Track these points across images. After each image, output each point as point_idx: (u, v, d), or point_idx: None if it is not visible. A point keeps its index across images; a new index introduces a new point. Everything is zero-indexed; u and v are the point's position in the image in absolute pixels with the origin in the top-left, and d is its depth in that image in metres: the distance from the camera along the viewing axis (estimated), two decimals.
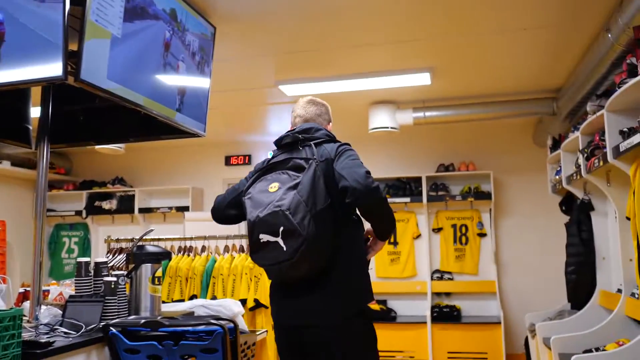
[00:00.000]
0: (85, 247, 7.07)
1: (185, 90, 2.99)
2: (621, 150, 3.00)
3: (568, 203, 5.12)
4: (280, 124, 6.17)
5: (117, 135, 3.37)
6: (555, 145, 5.04)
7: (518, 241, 6.07)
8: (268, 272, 2.16)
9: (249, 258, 4.06)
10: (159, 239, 4.18)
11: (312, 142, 2.19)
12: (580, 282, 4.47)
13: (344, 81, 4.41)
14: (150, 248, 2.81)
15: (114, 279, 2.56)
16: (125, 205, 6.83)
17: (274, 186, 2.08)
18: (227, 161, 6.94)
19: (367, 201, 1.97)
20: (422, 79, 4.38)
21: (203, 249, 4.23)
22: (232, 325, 2.23)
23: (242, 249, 4.17)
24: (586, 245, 4.46)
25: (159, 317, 2.35)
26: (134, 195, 6.83)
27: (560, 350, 3.78)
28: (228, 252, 4.18)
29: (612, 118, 3.29)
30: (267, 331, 3.64)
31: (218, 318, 2.29)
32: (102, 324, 2.26)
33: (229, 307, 3.08)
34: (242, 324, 3.19)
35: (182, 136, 3.24)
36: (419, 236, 6.24)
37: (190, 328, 2.19)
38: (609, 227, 4.37)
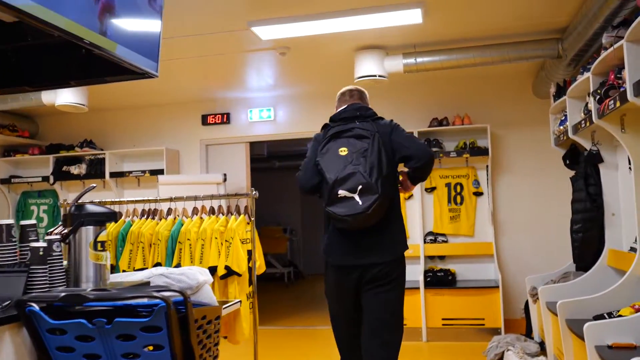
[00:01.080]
0: (55, 215, 6.61)
1: (114, 9, 2.47)
2: None
3: (573, 156, 4.70)
4: (259, 78, 5.66)
5: (55, 77, 2.87)
6: (560, 92, 4.58)
7: (517, 200, 5.67)
8: (340, 221, 2.49)
9: (220, 220, 3.62)
10: (119, 202, 3.73)
11: (368, 118, 2.65)
12: (588, 241, 4.09)
13: (325, 21, 3.90)
14: (91, 207, 2.35)
15: (43, 244, 2.11)
16: (96, 170, 6.35)
17: (343, 150, 2.50)
18: (204, 120, 6.44)
19: (430, 165, 2.63)
20: (413, 17, 3.88)
21: (169, 211, 3.79)
22: (180, 297, 1.80)
23: (212, 211, 3.73)
24: (594, 200, 4.06)
25: (88, 290, 1.91)
26: (104, 159, 6.34)
27: (567, 316, 3.40)
28: (197, 215, 3.74)
29: (633, 49, 2.83)
30: (240, 301, 3.21)
31: (165, 289, 1.86)
32: (17, 299, 1.82)
33: (193, 275, 2.69)
34: (208, 295, 2.79)
35: (130, 77, 2.74)
36: (410, 196, 5.83)
37: (123, 302, 1.75)
38: (620, 180, 3.96)
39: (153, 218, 3.75)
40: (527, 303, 4.90)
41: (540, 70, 5.14)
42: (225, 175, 5.94)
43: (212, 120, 6.42)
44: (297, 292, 9.42)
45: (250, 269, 3.56)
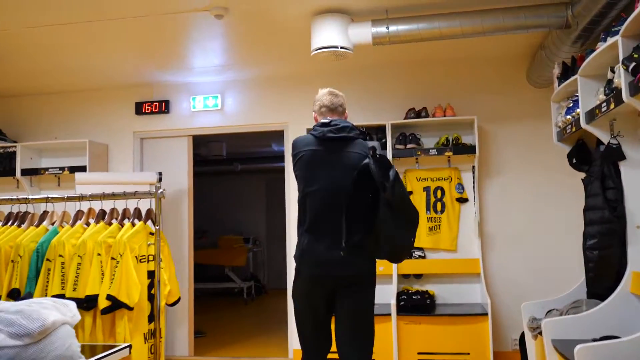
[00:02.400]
0: None
1: None
2: None
3: (580, 153, 3.78)
4: (203, 56, 4.66)
5: None
6: (567, 73, 3.66)
7: (509, 208, 4.74)
8: None
9: (110, 229, 2.59)
10: None
11: (356, 139, 2.68)
12: (606, 260, 3.16)
13: None
14: None
15: None
16: (4, 166, 5.25)
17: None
18: (139, 109, 5.40)
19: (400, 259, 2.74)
20: None
21: (44, 215, 2.74)
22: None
23: (102, 215, 2.70)
24: (614, 208, 3.14)
25: None
26: (15, 153, 5.25)
27: None
28: (81, 220, 2.70)
29: None
30: (130, 346, 2.19)
31: None
32: None
33: (37, 314, 1.86)
34: (64, 344, 1.84)
35: None
36: None
37: None
38: None
39: (20, 225, 2.70)
40: (522, 335, 3.96)
41: (539, 50, 4.22)
42: (160, 174, 4.92)
43: (148, 109, 5.38)
44: (257, 309, 8.37)
45: (152, 298, 2.53)
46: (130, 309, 2.40)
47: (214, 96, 5.26)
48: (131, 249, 2.44)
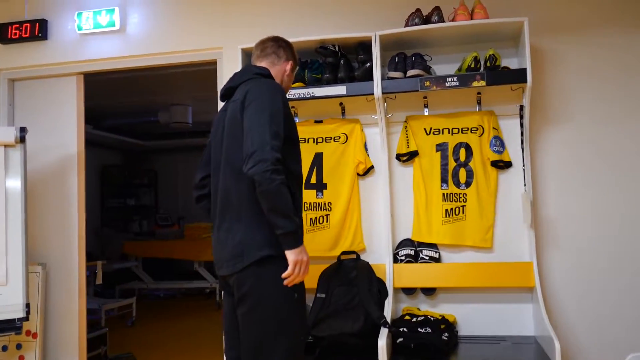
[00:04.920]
0: None
1: None
2: None
3: None
4: None
5: None
6: None
7: (583, 180, 2.82)
8: None
9: None
10: None
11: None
12: None
13: None
14: None
15: None
16: None
17: None
18: (3, 34, 3.56)
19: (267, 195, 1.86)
20: None
21: None
22: None
23: None
24: None
25: None
26: None
27: None
28: None
29: None
30: None
31: None
32: None
33: None
34: None
35: None
36: (368, 170, 2.99)
37: None
38: None
39: None
40: None
41: None
42: (23, 130, 3.15)
43: (16, 34, 3.54)
44: None
45: None
46: None
47: (108, 10, 3.39)
48: None
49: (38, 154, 3.48)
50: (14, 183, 3.12)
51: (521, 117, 2.76)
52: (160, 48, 3.38)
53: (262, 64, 2.20)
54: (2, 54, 3.59)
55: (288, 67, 2.23)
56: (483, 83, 2.64)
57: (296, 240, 1.89)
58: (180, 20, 3.35)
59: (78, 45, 3.49)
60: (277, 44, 2.23)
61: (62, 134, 3.52)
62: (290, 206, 1.86)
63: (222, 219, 2.03)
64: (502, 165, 2.84)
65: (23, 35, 3.51)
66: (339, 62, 2.82)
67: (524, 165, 2.76)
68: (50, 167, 3.51)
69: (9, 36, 3.54)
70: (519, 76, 2.63)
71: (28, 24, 3.51)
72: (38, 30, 3.49)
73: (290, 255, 1.88)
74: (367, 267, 2.83)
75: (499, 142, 2.84)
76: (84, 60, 3.49)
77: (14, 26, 3.53)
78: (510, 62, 2.81)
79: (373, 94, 2.73)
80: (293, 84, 2.81)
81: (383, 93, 2.73)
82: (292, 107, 3.06)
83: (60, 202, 3.50)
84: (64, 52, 3.51)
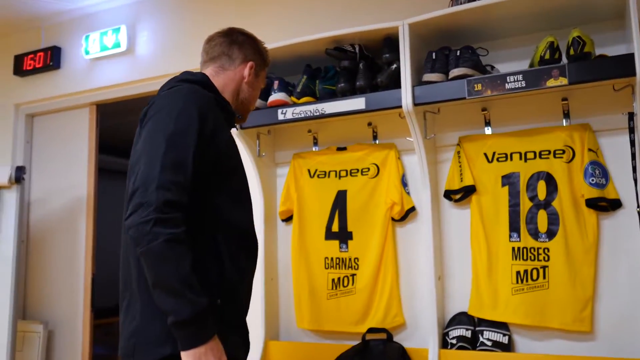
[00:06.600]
0: None
1: None
2: None
3: None
4: None
5: None
6: None
7: None
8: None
9: None
10: None
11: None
12: None
13: None
14: None
15: None
16: None
17: None
18: (18, 66, 3.28)
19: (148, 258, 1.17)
20: None
21: None
22: None
23: None
24: None
25: None
26: None
27: None
28: None
29: None
30: None
31: None
32: None
33: None
34: None
35: None
36: (407, 214, 2.15)
37: None
38: None
39: None
40: None
41: None
42: (20, 170, 2.79)
43: (31, 65, 3.24)
44: None
45: None
46: None
47: (114, 29, 2.95)
48: None
49: (49, 196, 3.11)
50: (6, 229, 2.74)
51: (631, 131, 1.80)
52: (169, 69, 2.85)
53: (208, 70, 1.54)
54: (18, 87, 3.30)
55: (247, 70, 1.55)
56: (564, 81, 1.73)
57: (196, 334, 1.15)
58: (188, 38, 2.81)
59: (89, 72, 3.09)
60: (228, 40, 1.56)
61: (71, 172, 3.12)
62: (186, 277, 1.13)
63: (123, 294, 1.35)
64: (606, 205, 1.87)
65: (37, 66, 3.21)
66: (358, 66, 2.07)
67: (639, 205, 1.78)
68: (59, 211, 3.11)
69: (24, 67, 3.25)
70: (623, 66, 1.69)
71: (42, 53, 3.19)
72: (50, 58, 3.15)
73: (187, 359, 1.15)
74: (400, 353, 1.98)
75: (599, 171, 1.88)
76: (95, 89, 3.08)
77: (29, 57, 3.25)
78: (608, 51, 1.87)
79: (401, 106, 1.93)
80: (300, 98, 2.11)
81: (415, 104, 1.92)
82: (309, 131, 2.35)
83: (64, 250, 3.06)
84: (75, 80, 3.13)
